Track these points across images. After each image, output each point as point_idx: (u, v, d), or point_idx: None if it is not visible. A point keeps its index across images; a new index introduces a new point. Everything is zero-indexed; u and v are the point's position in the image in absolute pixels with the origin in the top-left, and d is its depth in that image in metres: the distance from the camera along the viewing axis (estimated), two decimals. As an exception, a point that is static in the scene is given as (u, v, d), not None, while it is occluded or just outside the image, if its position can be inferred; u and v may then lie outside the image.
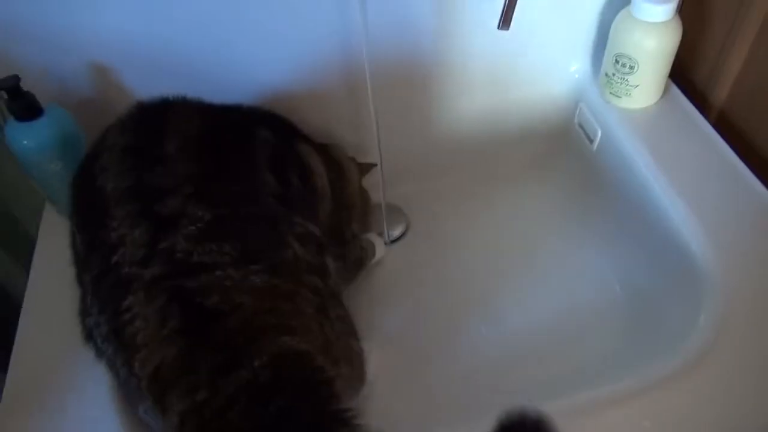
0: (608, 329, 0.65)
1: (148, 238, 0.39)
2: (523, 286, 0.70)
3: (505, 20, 0.58)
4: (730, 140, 0.67)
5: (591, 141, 0.73)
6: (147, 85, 0.62)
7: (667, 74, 0.67)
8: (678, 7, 0.62)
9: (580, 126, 0.75)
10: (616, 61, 0.65)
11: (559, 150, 0.80)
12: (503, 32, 0.60)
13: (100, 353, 0.41)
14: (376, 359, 0.62)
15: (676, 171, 0.61)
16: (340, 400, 0.39)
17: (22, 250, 0.65)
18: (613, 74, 0.67)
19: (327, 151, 0.62)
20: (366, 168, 0.69)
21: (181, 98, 0.53)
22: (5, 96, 0.55)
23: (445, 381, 0.63)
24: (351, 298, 0.70)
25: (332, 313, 0.46)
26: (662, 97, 0.69)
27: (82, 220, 0.44)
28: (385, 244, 0.77)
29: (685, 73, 0.74)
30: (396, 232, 0.78)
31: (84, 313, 0.43)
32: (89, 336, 0.42)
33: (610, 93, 0.68)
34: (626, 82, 0.66)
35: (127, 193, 0.42)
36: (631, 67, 0.64)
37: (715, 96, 0.70)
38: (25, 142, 0.56)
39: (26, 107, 0.55)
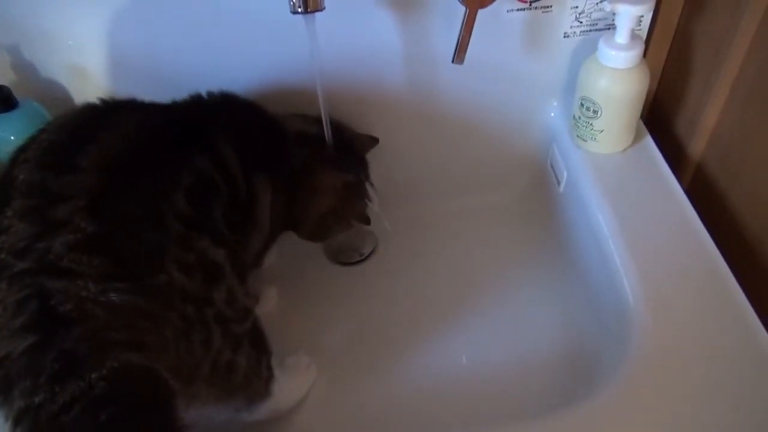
0: (547, 368, 0.64)
1: (30, 234, 0.41)
2: (473, 320, 0.69)
3: (459, 54, 0.59)
4: (703, 195, 0.65)
5: (558, 182, 0.72)
6: (123, 87, 0.66)
7: (635, 121, 0.66)
8: (643, 54, 0.61)
9: (552, 166, 0.74)
10: (582, 105, 0.64)
11: (532, 188, 0.79)
12: (474, 65, 0.61)
13: None
14: (318, 379, 0.64)
15: (630, 223, 0.60)
16: (177, 417, 0.41)
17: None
18: (579, 117, 0.66)
19: (303, 173, 0.63)
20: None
21: (136, 105, 0.55)
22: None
23: (379, 402, 0.63)
24: (298, 311, 0.72)
25: (197, 337, 0.47)
26: (632, 144, 0.68)
27: None
28: (349, 264, 0.78)
29: (666, 123, 0.72)
30: (361, 253, 0.79)
31: None
32: None
33: (577, 136, 0.67)
34: (591, 126, 0.65)
35: (31, 189, 0.44)
36: (595, 112, 0.63)
37: (692, 148, 0.68)
38: (-1, 132, 0.61)
39: (1, 99, 0.60)
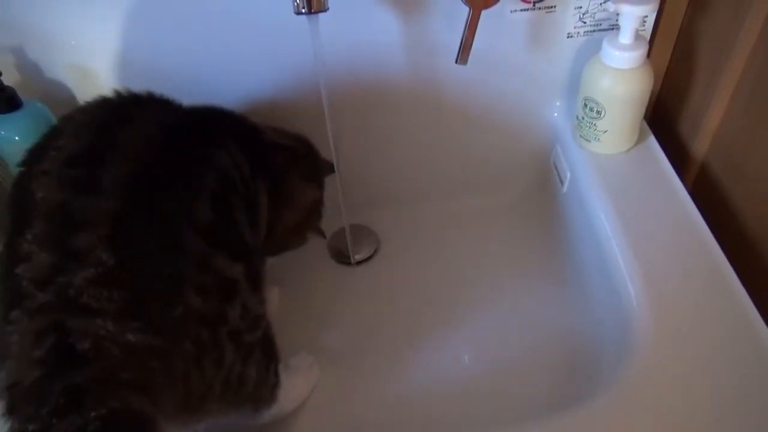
0: (549, 368, 0.64)
1: (51, 264, 0.41)
2: (475, 320, 0.70)
3: (463, 54, 0.59)
4: (707, 195, 0.64)
5: (562, 182, 0.72)
6: (128, 87, 0.67)
7: (638, 122, 0.66)
8: (647, 54, 0.61)
9: (555, 166, 0.74)
10: (585, 105, 0.64)
11: (535, 189, 0.79)
12: (478, 65, 0.61)
13: None
14: (320, 379, 0.65)
15: (633, 223, 0.60)
16: None
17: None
18: (583, 118, 0.66)
19: (282, 185, 0.62)
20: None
21: (153, 100, 0.54)
22: (-13, 89, 0.60)
23: (380, 402, 0.64)
24: (300, 311, 0.72)
25: (209, 359, 0.47)
26: (636, 145, 0.67)
27: (11, 214, 0.45)
28: (352, 264, 0.78)
29: (669, 123, 0.72)
30: (363, 254, 0.79)
31: None
32: None
33: (581, 136, 0.67)
34: (594, 127, 0.65)
35: (51, 211, 0.43)
36: (599, 112, 0.63)
37: (696, 148, 0.68)
38: (3, 132, 0.61)
39: (5, 100, 0.60)
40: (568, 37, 0.67)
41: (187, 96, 0.65)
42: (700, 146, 0.68)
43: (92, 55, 0.64)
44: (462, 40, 0.58)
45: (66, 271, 0.41)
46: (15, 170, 0.64)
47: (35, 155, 0.48)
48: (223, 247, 0.49)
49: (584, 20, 0.65)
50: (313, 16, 0.54)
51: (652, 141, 0.68)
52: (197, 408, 0.47)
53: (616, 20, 0.63)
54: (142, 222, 0.45)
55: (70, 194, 0.44)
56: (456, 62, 0.59)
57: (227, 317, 0.48)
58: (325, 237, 0.72)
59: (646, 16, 0.63)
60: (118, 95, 0.54)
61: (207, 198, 0.49)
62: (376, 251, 0.79)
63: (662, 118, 0.73)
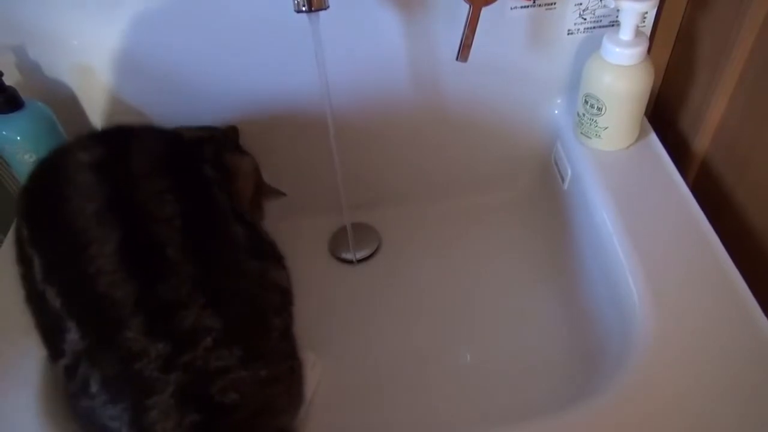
0: (551, 366, 0.64)
1: (169, 350, 0.43)
2: (477, 319, 0.70)
3: (463, 52, 0.59)
4: (708, 191, 0.64)
5: (563, 180, 0.72)
6: (128, 87, 0.67)
7: (640, 118, 0.66)
8: (648, 50, 0.61)
9: (556, 163, 0.74)
10: (585, 102, 0.64)
11: (536, 186, 0.79)
12: (478, 63, 0.62)
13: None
14: (322, 378, 0.64)
15: (634, 220, 0.60)
16: None
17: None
18: (583, 114, 0.66)
19: (222, 165, 0.61)
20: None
21: (122, 137, 0.53)
22: (-12, 89, 0.60)
23: (383, 401, 0.64)
24: (308, 310, 0.72)
25: (296, 363, 0.52)
26: (636, 141, 0.67)
27: (89, 323, 0.45)
28: (353, 262, 0.78)
29: (670, 120, 0.72)
30: (364, 252, 0.79)
31: (75, 396, 0.45)
32: (84, 418, 0.45)
33: (581, 133, 0.67)
34: (595, 123, 0.65)
35: (141, 305, 0.44)
36: (599, 109, 0.63)
37: (697, 145, 0.68)
38: (5, 132, 0.61)
39: (6, 100, 0.60)
40: (568, 33, 0.67)
41: (188, 97, 0.66)
42: (702, 142, 0.68)
43: (94, 54, 0.64)
44: (462, 37, 0.58)
45: (186, 350, 0.43)
46: (17, 171, 0.65)
47: (61, 258, 0.46)
48: (268, 258, 0.53)
49: (584, 17, 0.65)
50: (313, 14, 0.54)
51: (653, 137, 0.68)
52: (297, 406, 0.53)
53: (617, 17, 0.63)
54: (219, 273, 0.48)
55: (146, 281, 0.45)
56: (456, 60, 0.59)
57: (289, 322, 0.53)
58: (285, 194, 0.71)
59: (647, 13, 0.63)
60: (92, 152, 0.50)
61: (231, 217, 0.52)
62: (377, 249, 0.79)
63: (663, 114, 0.73)
